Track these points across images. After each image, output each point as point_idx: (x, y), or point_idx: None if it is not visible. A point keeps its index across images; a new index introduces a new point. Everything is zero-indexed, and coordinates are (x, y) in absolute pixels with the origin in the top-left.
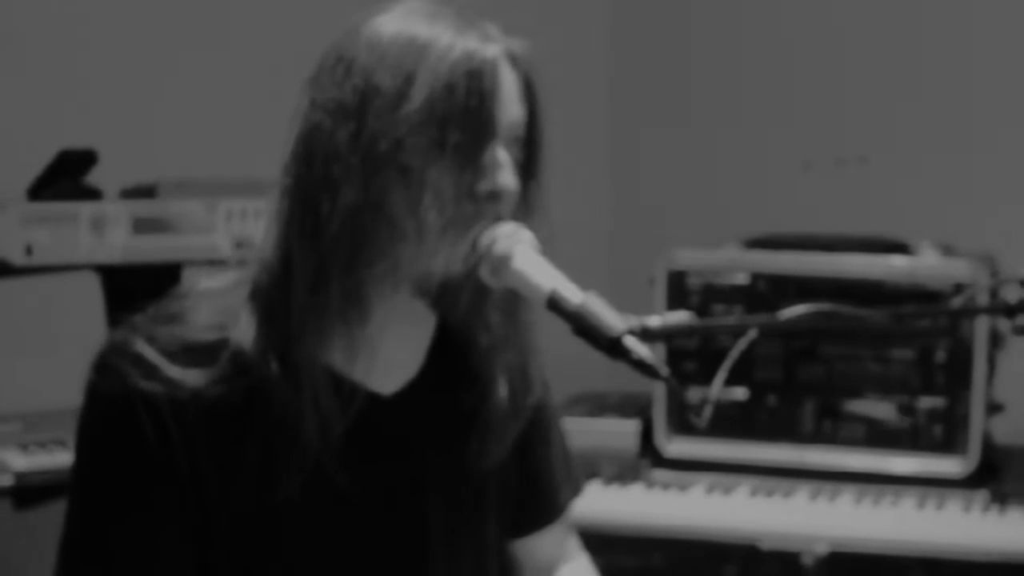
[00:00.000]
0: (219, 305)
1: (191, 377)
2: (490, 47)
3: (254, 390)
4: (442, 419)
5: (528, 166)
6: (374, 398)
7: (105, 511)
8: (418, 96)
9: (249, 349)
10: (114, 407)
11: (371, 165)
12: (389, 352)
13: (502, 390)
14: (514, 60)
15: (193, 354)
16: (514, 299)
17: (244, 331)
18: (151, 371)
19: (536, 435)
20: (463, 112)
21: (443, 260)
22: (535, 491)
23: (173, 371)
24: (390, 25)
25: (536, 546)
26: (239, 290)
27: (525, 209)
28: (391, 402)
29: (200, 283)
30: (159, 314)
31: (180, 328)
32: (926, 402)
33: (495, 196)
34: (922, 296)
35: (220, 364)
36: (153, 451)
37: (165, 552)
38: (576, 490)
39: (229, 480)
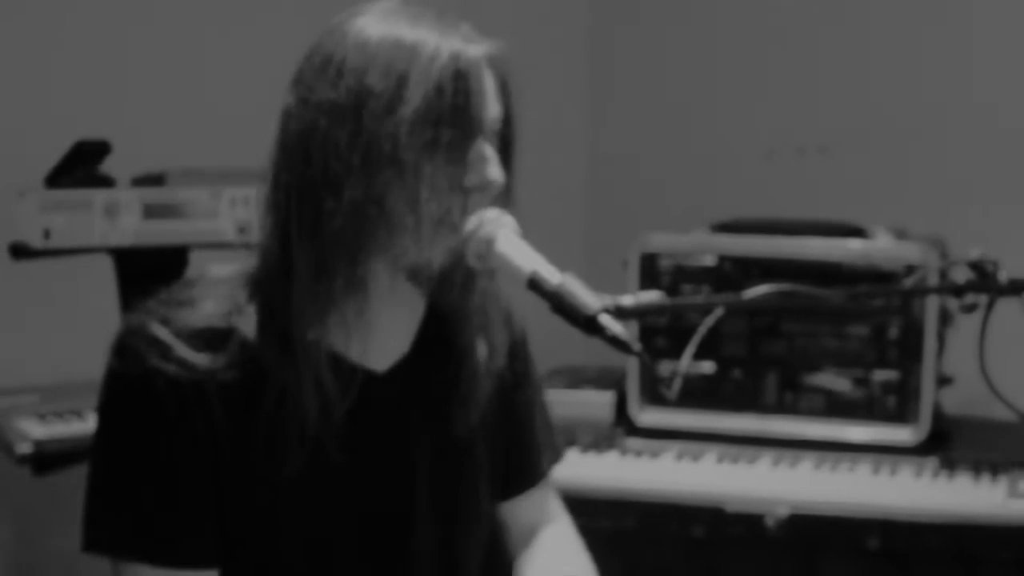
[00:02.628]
0: (225, 293)
1: (202, 360)
2: (472, 48)
3: (260, 374)
4: (431, 391)
5: (505, 157)
6: (370, 375)
7: (133, 476)
8: (412, 98)
9: (254, 336)
10: (134, 386)
11: (371, 164)
12: (383, 332)
13: (482, 353)
14: (491, 60)
15: (204, 339)
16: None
17: (249, 319)
18: (167, 351)
19: (521, 405)
20: (452, 111)
21: (439, 250)
22: (519, 457)
23: (186, 352)
24: (375, 27)
25: (520, 508)
26: (243, 279)
27: (504, 197)
28: (384, 378)
29: (208, 271)
30: (171, 299)
31: (191, 313)
32: (880, 375)
33: (484, 188)
34: (876, 277)
35: (229, 350)
36: (173, 423)
37: (193, 512)
38: (557, 456)
39: (238, 457)
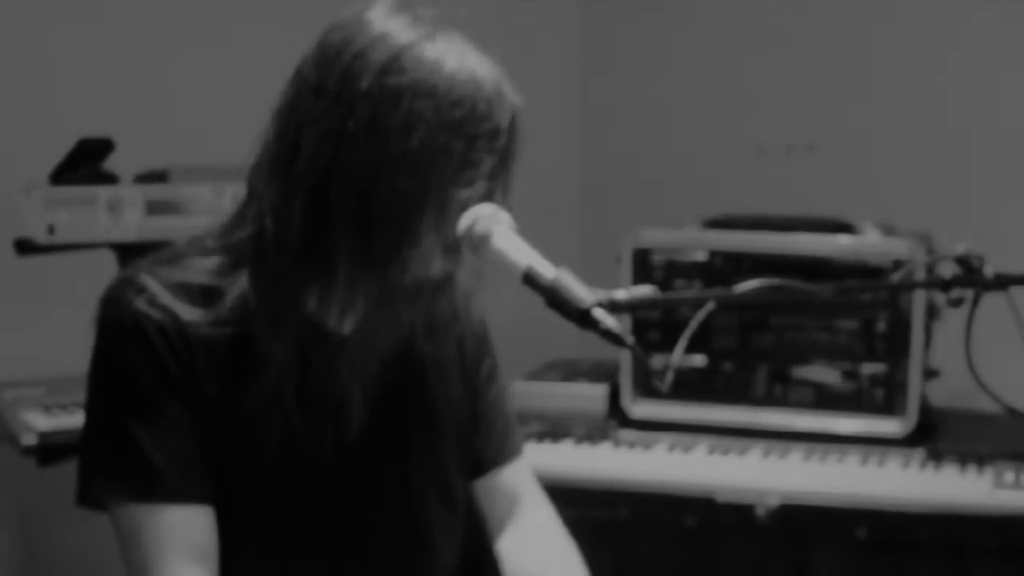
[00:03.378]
0: (214, 258)
1: (187, 312)
2: (508, 98)
3: (243, 337)
4: (388, 355)
5: (504, 156)
6: (338, 336)
7: (123, 416)
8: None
9: (241, 299)
10: (123, 329)
11: (410, 202)
12: (348, 298)
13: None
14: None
15: (190, 293)
16: None
17: (237, 284)
18: (153, 300)
19: (486, 383)
20: (479, 145)
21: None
22: (489, 433)
23: (172, 301)
24: (445, 58)
25: (493, 487)
26: (231, 248)
27: (502, 194)
28: (348, 338)
29: (192, 241)
30: (159, 258)
31: (179, 270)
32: (868, 368)
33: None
34: (865, 272)
35: (216, 308)
36: (163, 362)
37: (182, 447)
38: (522, 436)
39: (214, 403)
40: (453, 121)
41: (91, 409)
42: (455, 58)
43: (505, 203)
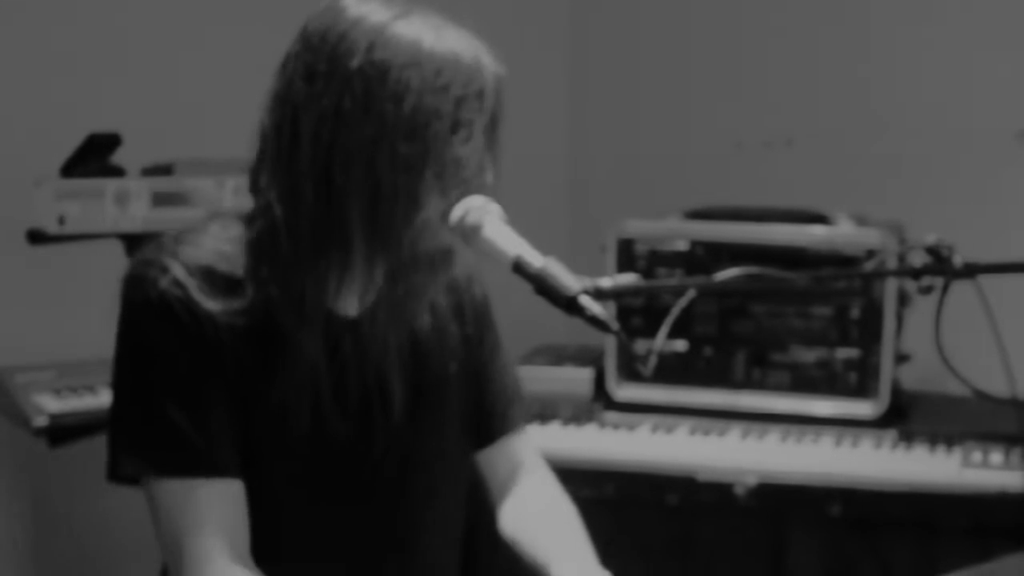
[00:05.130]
0: (233, 247)
1: (210, 301)
2: (491, 65)
3: (267, 325)
4: (398, 338)
5: (490, 144)
6: (349, 320)
7: (154, 392)
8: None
9: (261, 289)
10: (151, 307)
11: (410, 172)
12: (357, 283)
13: (441, 303)
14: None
15: (214, 280)
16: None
17: (258, 274)
18: (178, 281)
19: (487, 360)
20: (473, 122)
21: (436, 240)
22: (490, 406)
23: (198, 288)
24: (422, 31)
25: (497, 456)
26: (249, 239)
27: (492, 158)
28: (358, 321)
29: (211, 225)
30: (180, 238)
31: (200, 251)
32: (842, 353)
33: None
34: (839, 261)
35: (238, 298)
36: (192, 338)
37: (214, 421)
38: (526, 410)
39: (237, 385)
40: (439, 86)
41: (120, 386)
42: (431, 30)
43: (495, 168)
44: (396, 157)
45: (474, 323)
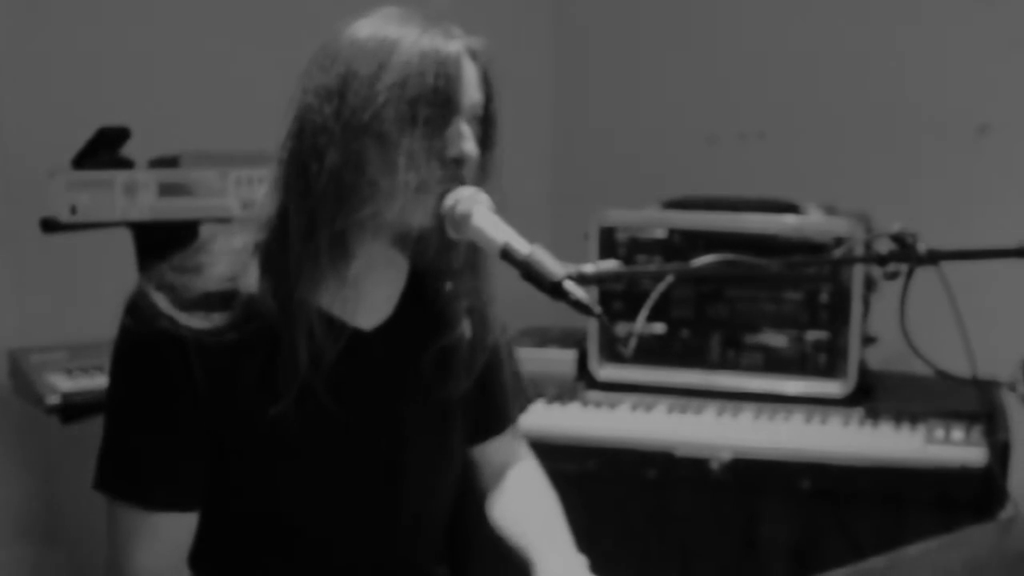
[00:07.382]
0: (231, 259)
1: (198, 322)
2: (453, 43)
3: (260, 330)
4: (412, 351)
5: (485, 140)
6: (357, 333)
7: (135, 429)
8: (389, 77)
9: (255, 295)
10: (141, 344)
11: (350, 133)
12: (369, 294)
13: (466, 330)
14: (473, 54)
15: (208, 301)
16: (476, 254)
17: (251, 281)
18: (168, 316)
19: (492, 361)
20: (431, 92)
21: (417, 214)
22: (491, 406)
23: (184, 318)
24: (368, 27)
25: (491, 450)
26: (247, 246)
27: (483, 176)
28: (370, 336)
29: (216, 239)
30: (182, 265)
31: (198, 278)
32: (812, 335)
33: (460, 161)
34: (809, 248)
35: (232, 310)
36: (175, 380)
37: (184, 463)
38: (525, 404)
39: (238, 401)
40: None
41: (107, 407)
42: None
43: (488, 178)
44: (365, 152)
45: (478, 325)
